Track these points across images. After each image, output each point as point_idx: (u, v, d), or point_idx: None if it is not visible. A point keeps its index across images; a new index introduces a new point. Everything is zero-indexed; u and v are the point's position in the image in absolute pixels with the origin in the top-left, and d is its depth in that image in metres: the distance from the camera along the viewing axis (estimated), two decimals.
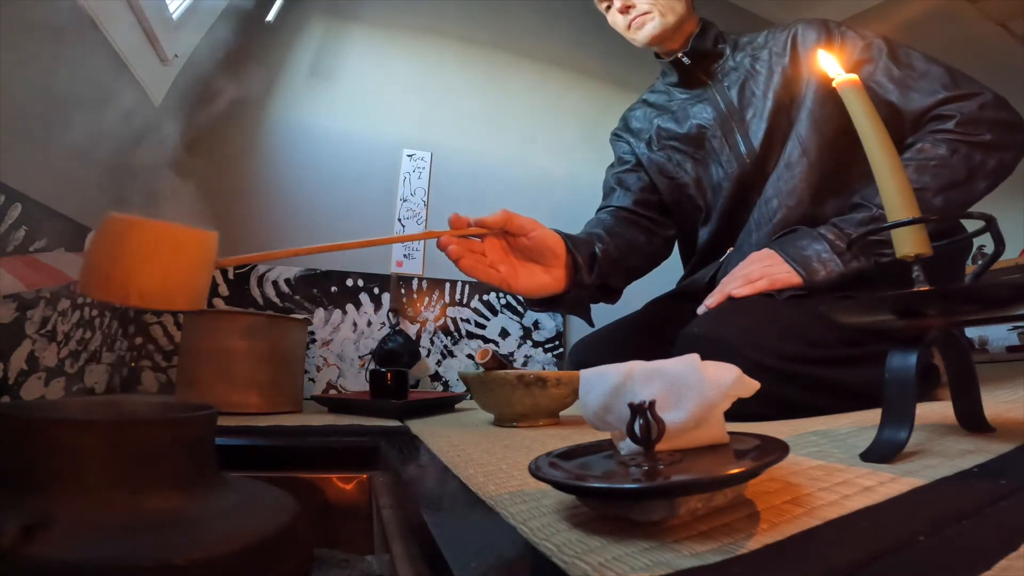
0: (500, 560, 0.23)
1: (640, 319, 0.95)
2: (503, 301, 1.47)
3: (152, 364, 1.12)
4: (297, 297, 1.26)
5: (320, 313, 1.28)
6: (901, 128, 0.73)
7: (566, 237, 0.72)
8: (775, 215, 0.79)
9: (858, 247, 0.65)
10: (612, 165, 1.03)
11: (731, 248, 0.86)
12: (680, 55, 0.87)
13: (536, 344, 1.48)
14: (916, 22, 1.84)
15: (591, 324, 0.83)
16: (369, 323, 1.31)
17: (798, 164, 0.78)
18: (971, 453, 0.32)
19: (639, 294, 1.03)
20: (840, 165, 0.77)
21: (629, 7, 0.86)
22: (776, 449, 0.25)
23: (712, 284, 0.81)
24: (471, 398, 0.78)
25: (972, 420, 0.37)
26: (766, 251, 0.72)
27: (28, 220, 0.74)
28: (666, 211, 0.97)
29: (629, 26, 0.87)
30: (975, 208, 0.63)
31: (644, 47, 0.90)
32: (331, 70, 1.44)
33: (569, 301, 0.75)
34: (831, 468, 0.31)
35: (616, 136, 1.04)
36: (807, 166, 0.78)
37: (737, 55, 0.87)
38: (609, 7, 0.89)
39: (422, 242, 1.43)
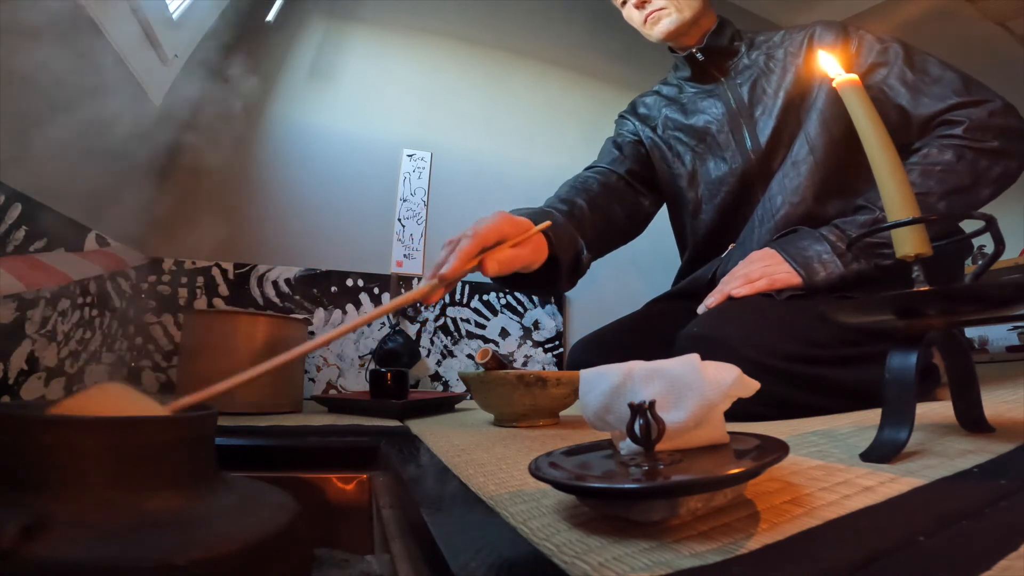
0: (500, 560, 0.23)
1: (640, 319, 0.95)
2: (503, 301, 1.47)
3: (152, 364, 1.12)
4: (297, 297, 1.26)
5: (320, 313, 1.28)
6: (909, 132, 0.72)
7: (553, 243, 0.65)
8: (778, 212, 0.79)
9: (858, 249, 0.65)
10: (611, 137, 1.02)
11: (733, 244, 0.86)
12: (695, 51, 0.87)
13: (536, 344, 1.48)
14: (916, 22, 1.84)
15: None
16: (369, 323, 1.31)
17: (804, 162, 0.79)
18: (971, 453, 0.32)
19: (639, 294, 1.03)
20: (846, 165, 0.77)
21: (645, 2, 0.86)
22: (776, 449, 0.25)
23: (713, 282, 0.81)
24: (471, 398, 0.78)
25: (972, 420, 0.37)
26: (767, 250, 0.72)
27: (28, 220, 0.74)
28: (654, 188, 0.97)
29: (645, 21, 0.87)
30: None
31: (659, 42, 0.90)
32: (331, 70, 1.44)
33: (530, 290, 0.74)
34: (831, 468, 0.31)
35: (622, 117, 1.03)
36: (813, 165, 0.78)
37: (752, 53, 0.87)
38: (625, 2, 0.89)
39: (422, 242, 1.43)
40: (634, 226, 0.96)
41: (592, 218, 0.82)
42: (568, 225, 0.73)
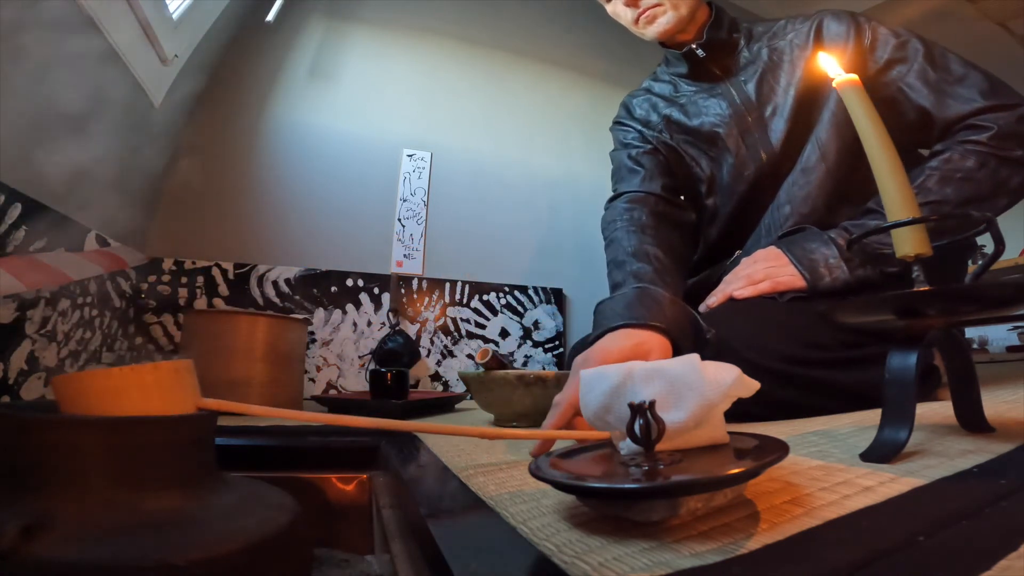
0: (500, 560, 0.23)
1: None
2: (503, 301, 1.47)
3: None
4: (297, 297, 1.26)
5: (320, 313, 1.28)
6: (930, 134, 0.69)
7: (675, 341, 0.58)
8: (786, 222, 0.75)
9: (864, 255, 0.63)
10: (618, 148, 0.94)
11: (739, 251, 0.83)
12: (694, 47, 0.80)
13: (536, 344, 1.48)
14: (916, 22, 1.84)
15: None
16: (369, 323, 1.31)
17: (815, 170, 0.74)
18: (971, 453, 0.32)
19: None
20: (857, 172, 0.72)
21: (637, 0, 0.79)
22: (776, 449, 0.25)
23: (716, 286, 0.80)
24: (471, 398, 0.78)
25: (972, 420, 0.37)
26: (772, 250, 0.70)
27: (28, 220, 0.74)
28: (687, 195, 0.90)
29: (637, 20, 0.80)
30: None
31: (652, 41, 0.83)
32: (331, 70, 1.44)
33: None
34: (831, 468, 0.31)
35: (619, 124, 0.95)
36: (824, 172, 0.73)
37: (753, 45, 0.81)
38: None
39: (422, 242, 1.43)
40: (692, 248, 0.88)
41: (669, 263, 0.73)
42: (675, 302, 0.63)
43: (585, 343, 0.91)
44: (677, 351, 0.57)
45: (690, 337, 0.60)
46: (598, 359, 0.53)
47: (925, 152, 0.70)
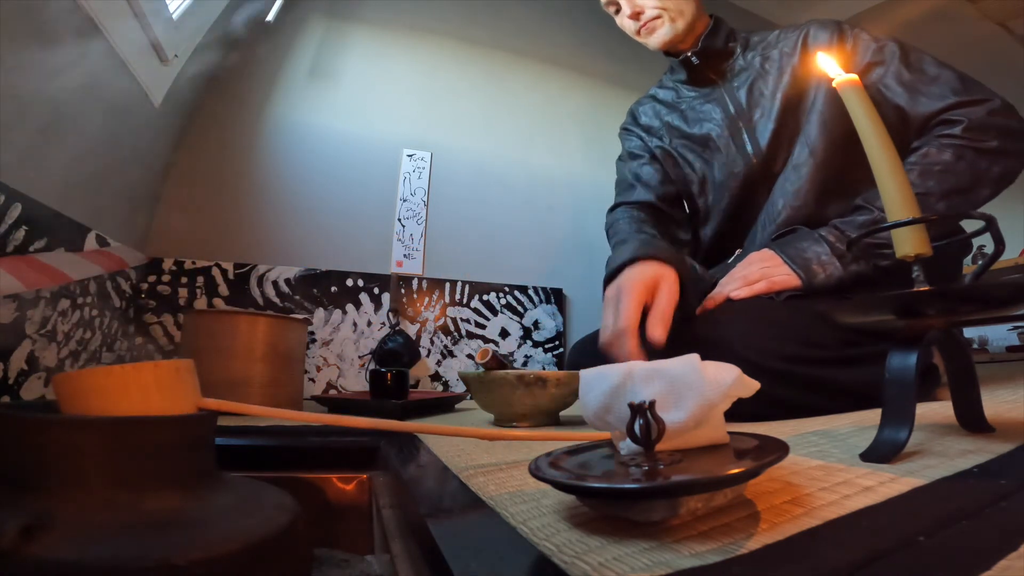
0: (500, 560, 0.23)
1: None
2: (503, 301, 1.47)
3: None
4: (297, 297, 1.26)
5: (320, 313, 1.28)
6: (907, 132, 0.72)
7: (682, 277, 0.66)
8: (779, 216, 0.78)
9: (857, 249, 0.64)
10: (622, 158, 1.02)
11: (739, 250, 0.87)
12: (690, 54, 0.87)
13: (536, 344, 1.48)
14: (916, 22, 1.84)
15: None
16: (369, 323, 1.31)
17: (805, 165, 0.78)
18: (971, 453, 0.32)
19: None
20: (846, 167, 0.76)
21: (639, 13, 0.86)
22: (776, 449, 0.25)
23: (715, 285, 0.81)
24: (471, 398, 0.78)
25: (972, 420, 0.37)
26: (765, 251, 0.72)
27: (28, 220, 0.74)
28: (683, 204, 0.97)
29: (639, 32, 0.88)
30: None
31: (655, 51, 0.91)
32: (331, 70, 1.44)
33: None
34: (831, 468, 0.31)
35: (626, 131, 1.03)
36: (813, 167, 0.77)
37: (748, 54, 0.87)
38: (618, 11, 0.90)
39: (422, 242, 1.43)
40: (693, 251, 0.94)
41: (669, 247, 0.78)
42: (676, 251, 0.70)
43: (585, 343, 0.93)
44: (682, 289, 0.64)
45: (692, 279, 0.67)
46: (628, 285, 0.61)
47: None
